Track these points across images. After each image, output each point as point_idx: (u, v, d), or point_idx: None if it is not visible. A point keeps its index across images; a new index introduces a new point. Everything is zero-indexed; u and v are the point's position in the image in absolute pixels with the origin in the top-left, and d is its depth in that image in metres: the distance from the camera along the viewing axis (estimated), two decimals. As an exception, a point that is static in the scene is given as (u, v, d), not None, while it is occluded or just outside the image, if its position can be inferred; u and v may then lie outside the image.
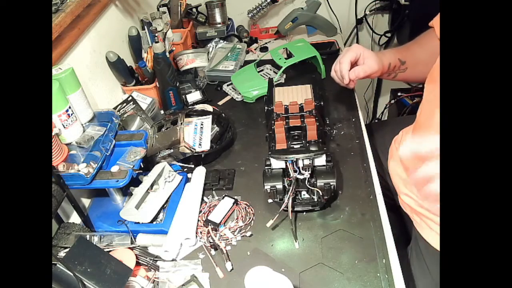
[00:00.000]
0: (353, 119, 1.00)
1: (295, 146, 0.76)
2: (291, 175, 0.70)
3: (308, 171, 0.71)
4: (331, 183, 0.70)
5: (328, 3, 1.52)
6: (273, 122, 0.79)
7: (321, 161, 0.73)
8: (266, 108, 0.84)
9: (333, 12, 1.54)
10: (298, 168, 0.71)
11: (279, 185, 0.71)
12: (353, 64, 0.86)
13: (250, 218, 0.77)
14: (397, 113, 1.78)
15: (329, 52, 1.30)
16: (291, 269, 0.67)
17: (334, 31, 1.42)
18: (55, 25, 0.82)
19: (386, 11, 1.61)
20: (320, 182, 0.71)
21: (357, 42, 1.71)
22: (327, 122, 0.99)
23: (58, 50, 0.85)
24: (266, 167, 0.75)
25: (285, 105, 0.83)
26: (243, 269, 0.66)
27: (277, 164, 0.74)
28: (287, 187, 0.71)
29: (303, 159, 0.71)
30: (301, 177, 0.71)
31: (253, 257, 0.70)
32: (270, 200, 0.73)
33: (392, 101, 1.80)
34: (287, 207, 0.69)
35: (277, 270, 0.57)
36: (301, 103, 0.83)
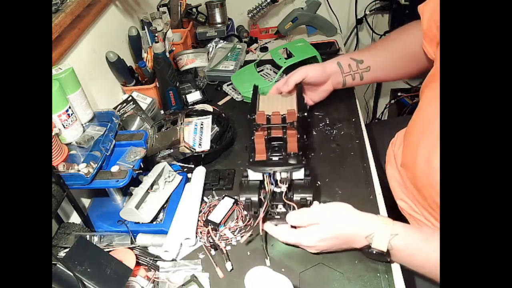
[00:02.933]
0: (353, 119, 1.00)
1: (274, 158, 0.74)
2: (267, 188, 0.69)
3: (286, 184, 0.69)
4: (308, 198, 0.69)
5: (328, 3, 1.52)
6: (254, 131, 0.76)
7: (299, 174, 0.71)
8: (248, 116, 0.80)
9: (333, 12, 1.54)
10: (276, 181, 0.70)
11: (254, 198, 0.69)
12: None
13: (250, 218, 0.77)
14: (397, 113, 1.78)
15: (329, 52, 1.30)
16: (291, 269, 0.67)
17: (334, 31, 1.42)
18: (55, 25, 0.82)
19: (386, 11, 1.61)
20: (297, 197, 0.69)
21: (357, 42, 1.71)
22: (327, 122, 0.99)
23: (58, 50, 0.85)
24: (243, 178, 0.73)
25: (267, 115, 0.79)
26: (243, 269, 0.66)
27: (254, 176, 0.72)
28: (263, 200, 0.70)
29: (280, 172, 0.69)
30: (278, 190, 0.70)
31: (253, 257, 0.70)
32: (245, 212, 0.73)
33: (392, 101, 1.80)
34: (259, 222, 0.68)
35: (277, 270, 0.57)
36: (284, 114, 0.80)
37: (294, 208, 0.69)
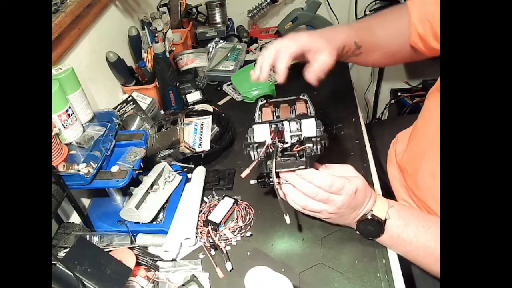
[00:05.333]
0: (353, 119, 1.00)
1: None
2: (275, 142, 0.63)
3: (294, 140, 0.65)
4: (322, 140, 0.62)
5: (328, 3, 1.52)
6: (260, 111, 0.72)
7: (311, 129, 0.64)
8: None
9: (333, 12, 1.54)
10: (283, 138, 0.65)
11: (261, 148, 0.64)
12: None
13: (250, 218, 0.77)
14: (397, 113, 1.79)
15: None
16: (291, 269, 0.67)
17: (334, 31, 1.42)
18: (55, 25, 0.82)
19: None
20: (309, 143, 0.62)
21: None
22: (327, 122, 0.99)
23: (58, 50, 0.85)
24: (247, 137, 0.67)
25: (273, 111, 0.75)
26: (243, 269, 0.66)
27: (260, 135, 0.66)
28: (271, 148, 0.64)
29: (289, 122, 0.64)
30: (287, 145, 0.64)
31: (253, 257, 0.70)
32: (252, 182, 0.67)
33: (392, 101, 1.80)
34: (271, 167, 0.62)
35: (277, 270, 0.57)
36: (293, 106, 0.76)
37: (305, 151, 0.63)
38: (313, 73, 0.66)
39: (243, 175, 0.64)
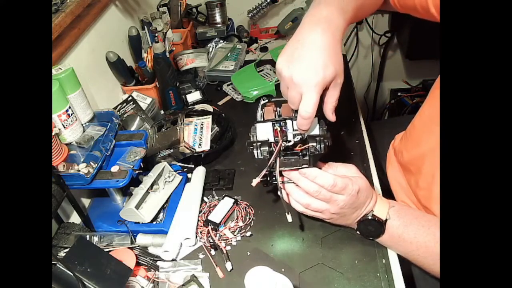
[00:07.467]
0: (353, 119, 1.00)
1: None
2: (278, 140, 0.62)
3: (297, 139, 0.64)
4: (325, 139, 0.62)
5: (328, 3, 1.52)
6: (262, 109, 0.72)
7: (314, 128, 0.64)
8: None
9: (333, 12, 1.54)
10: (286, 137, 0.65)
11: (264, 147, 0.63)
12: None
13: (250, 218, 0.77)
14: (397, 113, 1.79)
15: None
16: (291, 269, 0.67)
17: (334, 31, 1.42)
18: (55, 25, 0.82)
19: (386, 11, 1.61)
20: (312, 142, 0.62)
21: (357, 42, 1.71)
22: (327, 122, 0.99)
23: (58, 50, 0.85)
24: (250, 136, 0.67)
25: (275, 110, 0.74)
26: (243, 269, 0.66)
27: (263, 133, 0.66)
28: (274, 145, 0.63)
29: (292, 120, 0.65)
30: (290, 144, 0.64)
31: (253, 257, 0.70)
32: (254, 181, 0.64)
33: (392, 101, 1.80)
34: (274, 165, 0.61)
35: (277, 270, 0.57)
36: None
37: (309, 150, 0.62)
38: (330, 110, 0.64)
39: (254, 184, 0.64)
